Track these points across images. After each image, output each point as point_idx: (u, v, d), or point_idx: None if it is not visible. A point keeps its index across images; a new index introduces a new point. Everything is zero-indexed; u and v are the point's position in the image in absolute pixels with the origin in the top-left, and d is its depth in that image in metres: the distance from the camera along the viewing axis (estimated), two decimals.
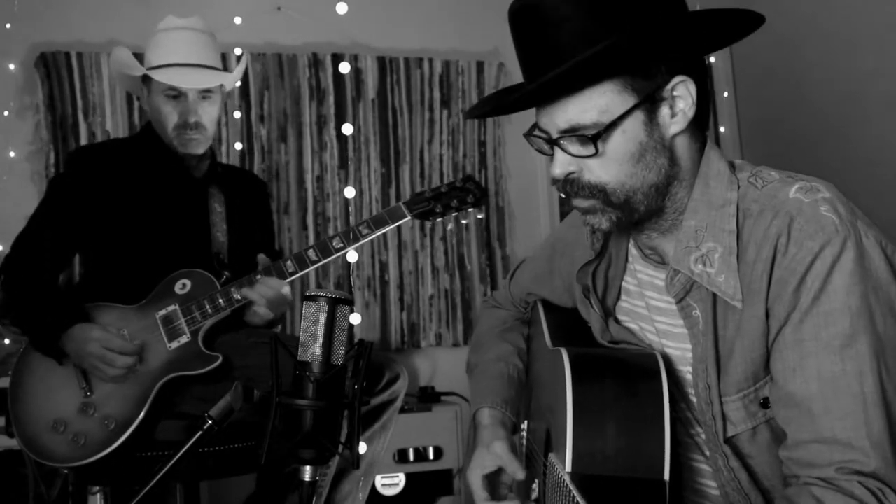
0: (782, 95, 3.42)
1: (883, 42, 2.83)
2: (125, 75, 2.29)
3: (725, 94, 3.75)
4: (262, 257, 2.10)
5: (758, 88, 3.61)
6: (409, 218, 2.09)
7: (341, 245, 2.07)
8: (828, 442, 1.05)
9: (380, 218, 2.09)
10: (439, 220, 2.13)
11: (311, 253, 2.07)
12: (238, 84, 2.44)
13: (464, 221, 2.16)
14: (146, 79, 2.21)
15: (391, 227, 2.09)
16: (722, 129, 3.76)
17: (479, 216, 2.19)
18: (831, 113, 3.11)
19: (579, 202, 1.19)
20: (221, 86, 2.29)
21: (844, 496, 1.02)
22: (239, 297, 2.05)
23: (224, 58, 2.33)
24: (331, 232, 3.49)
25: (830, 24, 3.08)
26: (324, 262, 2.07)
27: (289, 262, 2.06)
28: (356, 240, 2.06)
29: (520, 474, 1.35)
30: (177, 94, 2.16)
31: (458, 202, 2.11)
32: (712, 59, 3.73)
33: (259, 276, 2.05)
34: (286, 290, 2.07)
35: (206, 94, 2.19)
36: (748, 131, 3.72)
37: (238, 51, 3.41)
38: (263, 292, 2.04)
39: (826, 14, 3.10)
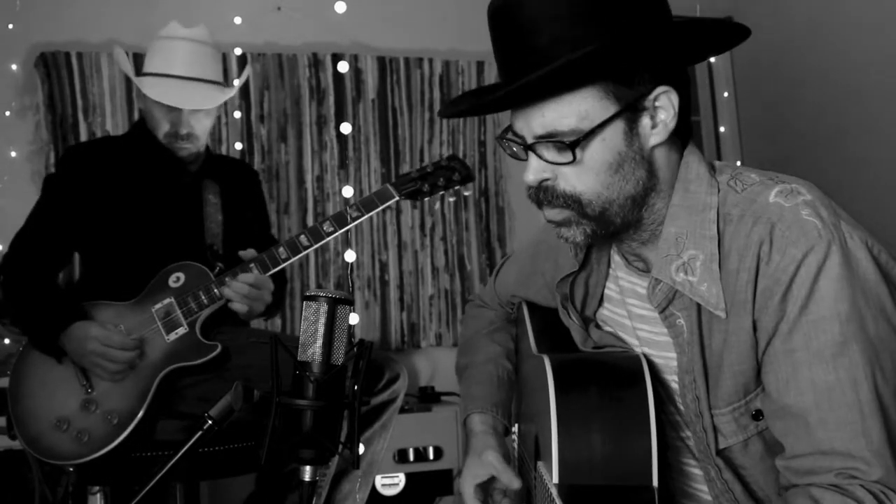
0: (782, 95, 3.42)
1: (882, 42, 2.83)
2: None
3: (725, 94, 3.75)
4: (243, 253, 2.10)
5: (758, 88, 3.60)
6: (397, 198, 2.08)
7: (332, 229, 2.06)
8: (827, 453, 1.03)
9: (368, 200, 2.08)
10: (427, 199, 2.12)
11: (302, 238, 2.07)
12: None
13: (451, 199, 2.15)
14: (139, 86, 2.20)
15: (380, 208, 2.08)
16: (722, 129, 3.76)
17: (467, 193, 2.19)
18: (831, 113, 3.11)
19: (553, 214, 1.15)
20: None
21: (845, 497, 1.00)
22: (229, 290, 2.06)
23: (224, 57, 2.33)
24: None
25: (830, 25, 3.08)
26: (316, 245, 2.07)
27: (281, 249, 2.07)
28: (346, 223, 2.06)
29: (515, 484, 1.32)
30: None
31: (444, 181, 2.10)
32: (712, 60, 3.73)
33: (239, 273, 2.06)
34: (253, 278, 2.04)
35: None
36: (748, 131, 3.72)
37: (238, 51, 3.41)
38: (238, 289, 2.04)
39: (826, 14, 3.10)
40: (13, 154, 3.25)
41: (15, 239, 2.16)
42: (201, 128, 2.21)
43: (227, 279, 2.06)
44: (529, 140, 1.12)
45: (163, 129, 2.18)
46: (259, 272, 2.06)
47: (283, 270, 2.21)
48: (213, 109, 2.24)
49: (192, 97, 2.16)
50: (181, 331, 2.06)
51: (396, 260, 3.63)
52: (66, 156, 2.28)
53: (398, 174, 3.62)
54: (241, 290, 2.04)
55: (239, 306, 2.06)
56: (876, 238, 1.10)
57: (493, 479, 1.39)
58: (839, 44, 3.02)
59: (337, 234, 2.07)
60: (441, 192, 2.12)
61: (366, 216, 2.07)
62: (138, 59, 2.27)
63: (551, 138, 1.09)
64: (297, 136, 3.54)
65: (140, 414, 1.96)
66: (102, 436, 1.95)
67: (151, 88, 2.16)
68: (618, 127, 1.09)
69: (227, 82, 2.30)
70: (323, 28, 3.53)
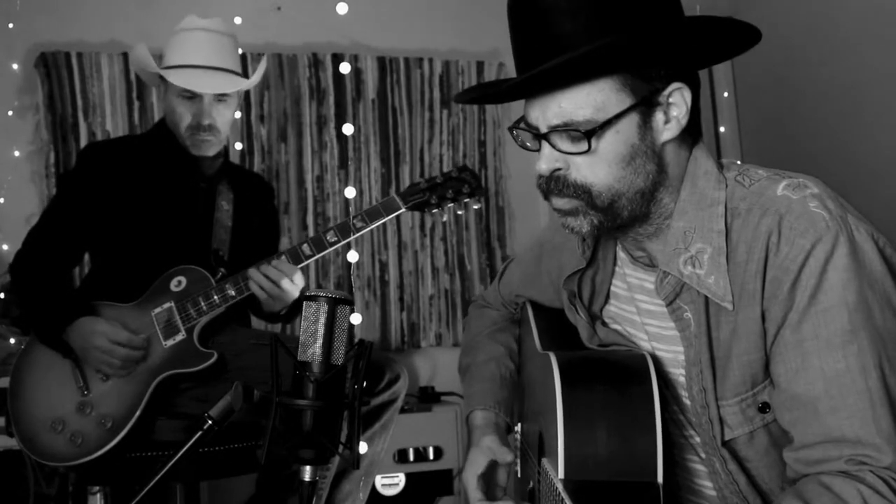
0: (782, 95, 3.42)
1: (883, 42, 2.83)
2: (144, 71, 2.29)
3: (725, 94, 3.75)
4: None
5: (758, 88, 3.60)
6: (403, 209, 2.06)
7: (335, 239, 2.06)
8: (837, 441, 1.04)
9: (374, 210, 2.06)
10: (435, 211, 2.09)
11: (305, 248, 2.06)
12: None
13: (459, 213, 2.13)
14: (164, 77, 2.20)
15: (386, 219, 2.07)
16: (722, 129, 3.76)
17: (476, 207, 2.15)
18: (831, 113, 3.11)
19: (561, 203, 1.16)
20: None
21: (855, 482, 1.00)
22: (233, 292, 2.05)
23: (244, 58, 2.32)
24: None
25: (830, 25, 3.08)
26: (318, 255, 2.06)
27: (283, 258, 2.06)
28: (350, 233, 2.05)
29: (508, 457, 1.35)
30: (192, 96, 2.15)
31: (453, 193, 2.07)
32: None
33: (274, 263, 2.03)
34: (285, 283, 2.03)
35: (221, 96, 2.18)
36: (748, 131, 3.72)
37: (238, 50, 3.40)
38: (268, 274, 2.01)
39: (826, 14, 3.10)
40: (17, 154, 3.25)
41: (29, 235, 2.17)
42: (222, 119, 2.20)
43: (262, 266, 2.02)
44: (544, 129, 1.13)
45: (185, 121, 2.17)
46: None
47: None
48: (233, 102, 2.23)
49: (213, 83, 2.15)
50: (179, 337, 2.05)
51: (396, 260, 3.63)
52: (85, 153, 2.26)
53: (398, 175, 3.63)
54: (269, 279, 2.00)
55: (258, 290, 2.02)
56: (881, 232, 1.11)
57: (493, 470, 1.40)
58: (839, 44, 3.02)
59: (340, 244, 2.05)
60: (449, 205, 2.09)
61: (370, 227, 2.06)
62: (156, 58, 2.25)
63: (567, 128, 1.10)
64: (297, 136, 3.54)
65: (133, 419, 1.96)
66: (95, 439, 1.95)
67: (174, 76, 2.15)
68: (632, 120, 1.11)
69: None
70: (323, 28, 3.53)
